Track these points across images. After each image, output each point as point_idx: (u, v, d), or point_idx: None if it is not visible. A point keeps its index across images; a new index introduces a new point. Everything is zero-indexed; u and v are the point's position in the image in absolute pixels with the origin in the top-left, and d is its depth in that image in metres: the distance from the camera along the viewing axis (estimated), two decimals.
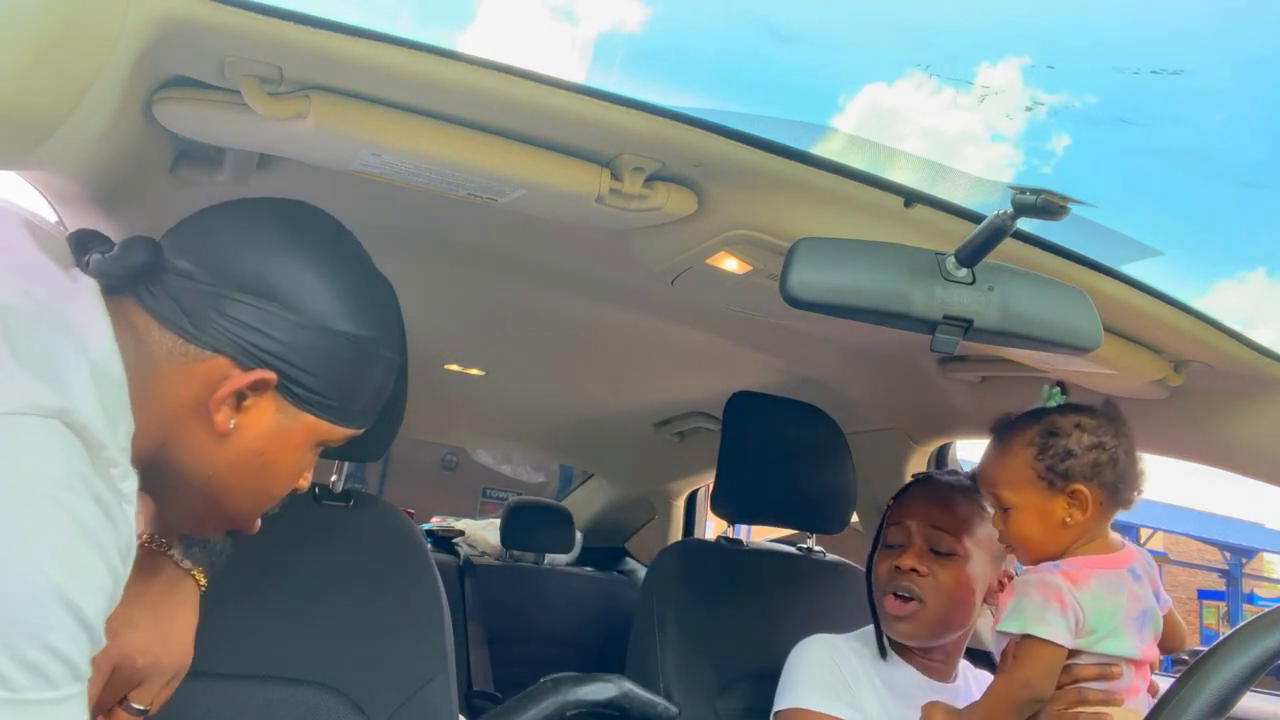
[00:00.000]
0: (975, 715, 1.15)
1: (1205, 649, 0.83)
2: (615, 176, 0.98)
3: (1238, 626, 0.83)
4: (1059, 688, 1.11)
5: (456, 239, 1.40)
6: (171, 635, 0.91)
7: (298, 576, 1.24)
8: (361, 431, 0.91)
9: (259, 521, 0.93)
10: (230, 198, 1.10)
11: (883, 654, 1.35)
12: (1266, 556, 17.51)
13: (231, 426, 0.82)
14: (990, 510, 1.31)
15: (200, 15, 0.75)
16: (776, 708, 1.33)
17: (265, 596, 1.21)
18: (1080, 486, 1.13)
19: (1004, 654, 1.17)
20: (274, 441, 0.84)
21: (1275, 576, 18.10)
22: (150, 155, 1.01)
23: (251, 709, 1.15)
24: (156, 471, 0.82)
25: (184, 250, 0.82)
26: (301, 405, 0.84)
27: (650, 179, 1.00)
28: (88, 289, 0.78)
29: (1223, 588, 16.33)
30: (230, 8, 0.75)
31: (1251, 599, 15.57)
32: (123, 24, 0.72)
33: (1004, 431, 1.20)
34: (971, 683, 1.42)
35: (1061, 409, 1.18)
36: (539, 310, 1.72)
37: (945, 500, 1.36)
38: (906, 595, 1.31)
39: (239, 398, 0.81)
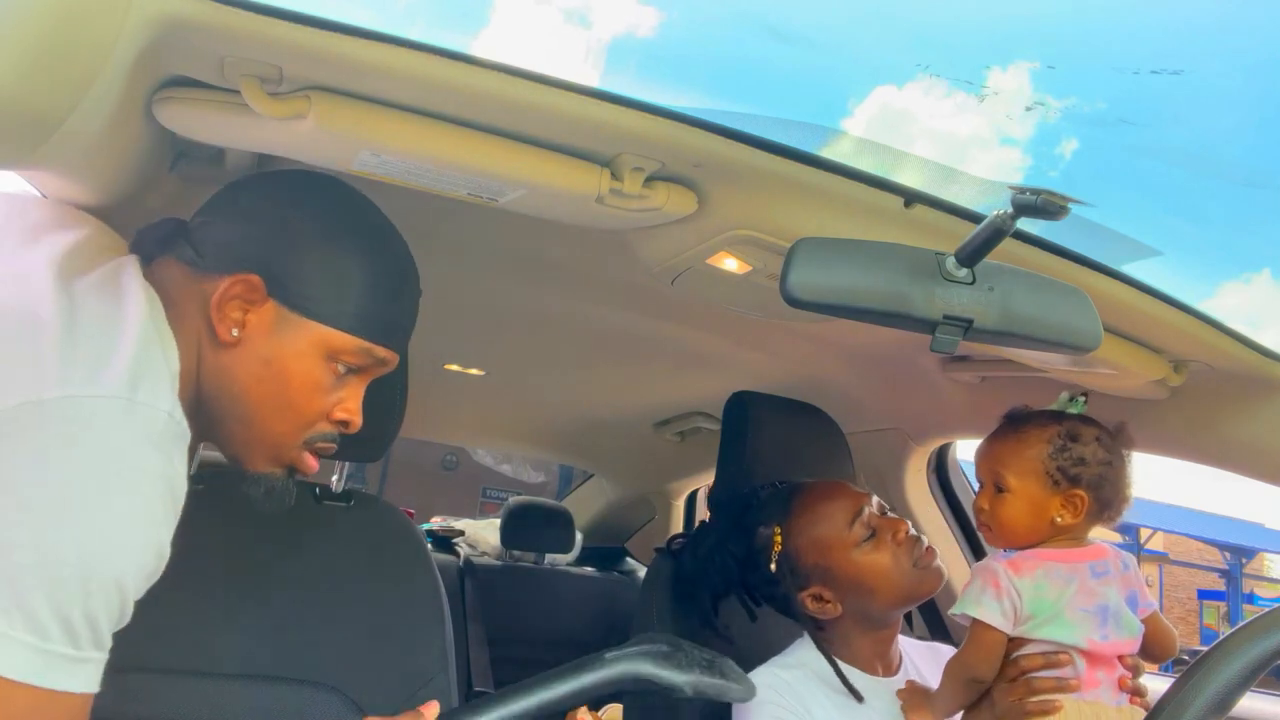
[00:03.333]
0: (939, 695, 1.22)
1: (1205, 649, 0.83)
2: (615, 176, 0.98)
3: (1237, 626, 0.83)
4: (1010, 680, 1.15)
5: (457, 239, 1.40)
6: None
7: (298, 576, 1.24)
8: (377, 349, 0.95)
9: (312, 459, 0.98)
10: None
11: (858, 698, 1.28)
12: (1266, 556, 17.52)
13: (235, 336, 0.89)
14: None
15: (200, 15, 0.75)
16: None
17: (265, 596, 1.22)
18: (1081, 493, 1.17)
19: None
20: (279, 349, 0.90)
21: (1275, 576, 18.10)
22: (150, 155, 1.01)
23: (251, 709, 1.15)
24: (198, 408, 0.90)
25: (201, 211, 0.95)
26: (299, 310, 0.90)
27: (650, 179, 1.00)
28: (131, 265, 0.88)
29: (1223, 588, 16.33)
30: (230, 8, 0.75)
31: (1251, 599, 15.58)
32: (123, 24, 0.72)
33: (1023, 421, 1.23)
34: (918, 662, 1.41)
35: (1083, 418, 1.22)
36: (539, 310, 1.72)
37: (843, 486, 1.39)
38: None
39: (243, 312, 0.89)
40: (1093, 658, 1.14)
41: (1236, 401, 1.29)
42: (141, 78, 0.84)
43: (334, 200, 0.96)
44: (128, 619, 0.75)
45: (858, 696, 1.28)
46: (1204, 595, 16.81)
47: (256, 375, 0.90)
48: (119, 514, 0.72)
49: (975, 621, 1.15)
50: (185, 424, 0.81)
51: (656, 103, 0.89)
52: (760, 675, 1.30)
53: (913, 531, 1.32)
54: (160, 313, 0.85)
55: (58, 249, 0.85)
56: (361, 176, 0.99)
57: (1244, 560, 16.09)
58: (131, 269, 0.87)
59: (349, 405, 0.96)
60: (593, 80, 0.87)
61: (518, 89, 0.85)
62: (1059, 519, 1.17)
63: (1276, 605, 1.00)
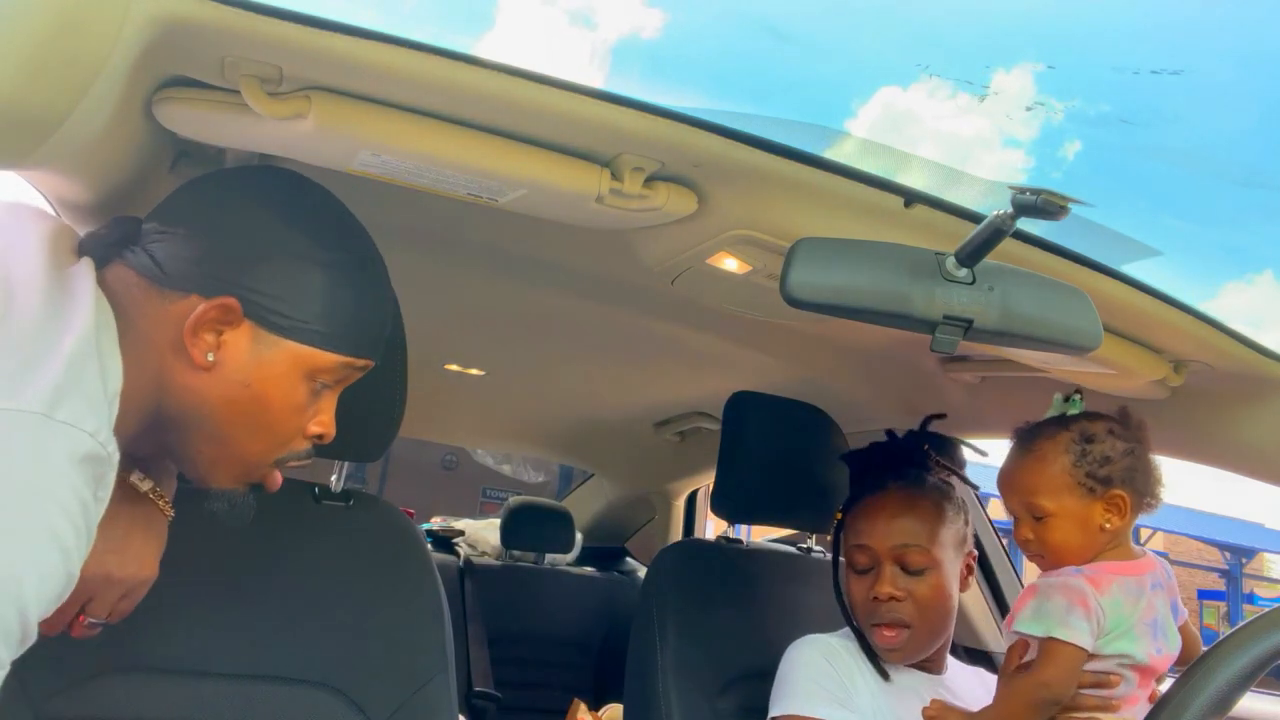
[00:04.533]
0: (993, 715, 1.15)
1: (1205, 649, 0.83)
2: (615, 176, 0.97)
3: (1238, 626, 0.83)
4: None
5: (456, 239, 1.40)
6: (127, 550, 0.90)
7: (298, 576, 1.24)
8: (358, 361, 0.92)
9: (279, 475, 0.95)
10: None
11: (884, 675, 1.31)
12: (1266, 556, 17.51)
13: (210, 360, 0.85)
14: (951, 509, 1.33)
15: (200, 15, 0.75)
16: (772, 713, 1.32)
17: (265, 596, 1.21)
18: (1119, 491, 1.14)
19: (1009, 653, 1.17)
20: (257, 371, 0.87)
21: (1275, 576, 18.10)
22: (150, 155, 1.01)
23: (251, 709, 1.15)
24: (161, 425, 0.86)
25: (157, 216, 0.90)
26: (276, 331, 0.87)
27: (650, 179, 1.00)
28: (83, 267, 0.83)
29: (1223, 588, 16.33)
30: (230, 8, 0.75)
31: (1251, 599, 15.57)
32: (123, 24, 0.72)
33: (1033, 439, 1.19)
34: (958, 671, 1.42)
35: (1088, 415, 1.18)
36: (539, 310, 1.72)
37: (906, 510, 1.32)
38: (894, 623, 1.28)
39: (216, 333, 0.85)
40: (1143, 674, 1.12)
41: (1236, 401, 1.28)
42: (141, 78, 0.84)
43: (302, 208, 0.91)
44: (30, 642, 0.72)
45: (884, 675, 1.31)
46: (1204, 595, 16.80)
47: (231, 398, 0.87)
48: (22, 538, 0.68)
49: (1054, 641, 1.10)
50: (112, 447, 0.76)
51: (656, 103, 0.89)
52: (811, 640, 1.35)
53: (894, 607, 1.28)
54: (109, 328, 0.80)
55: (13, 253, 0.80)
56: (362, 176, 0.99)
57: (1244, 560, 16.08)
58: (85, 276, 0.82)
59: (324, 419, 0.93)
60: (599, 82, 0.87)
61: (517, 89, 0.85)
62: (1108, 525, 1.14)
63: (1276, 605, 1.00)
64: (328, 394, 0.93)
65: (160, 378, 0.86)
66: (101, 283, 0.84)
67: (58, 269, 0.81)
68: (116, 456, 0.77)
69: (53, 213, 1.20)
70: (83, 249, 0.87)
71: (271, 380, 0.87)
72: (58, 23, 0.67)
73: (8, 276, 0.77)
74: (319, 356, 0.89)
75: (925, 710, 1.22)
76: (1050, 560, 1.17)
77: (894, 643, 1.28)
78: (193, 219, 0.88)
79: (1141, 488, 1.16)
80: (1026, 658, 1.15)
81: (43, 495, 0.69)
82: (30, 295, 0.76)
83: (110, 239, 0.88)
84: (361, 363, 0.93)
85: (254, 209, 0.89)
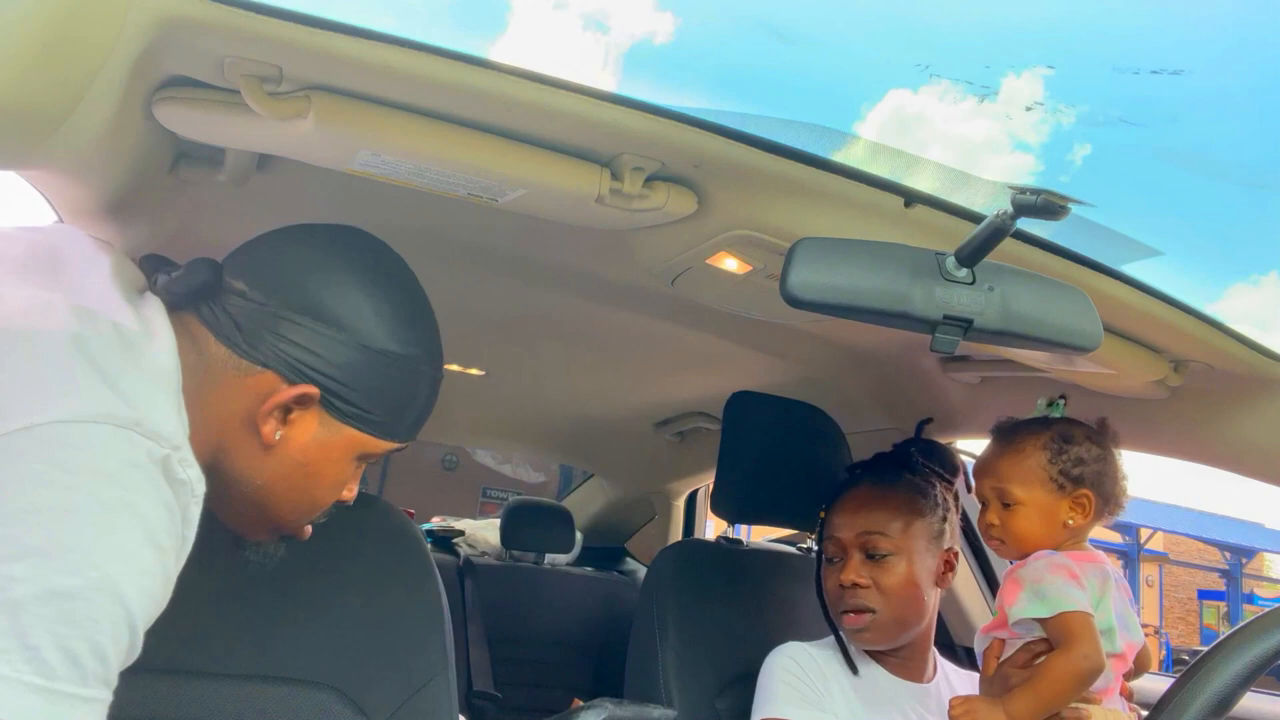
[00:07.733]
0: (1030, 698, 1.11)
1: (1205, 649, 0.83)
2: (615, 176, 0.98)
3: (1238, 626, 0.83)
4: None
5: (456, 239, 1.40)
6: None
7: (298, 576, 1.24)
8: (405, 446, 0.95)
9: (309, 528, 0.99)
10: (230, 198, 1.10)
11: (853, 669, 1.35)
12: (1266, 556, 17.55)
13: (278, 438, 0.87)
14: (925, 504, 1.36)
15: (200, 15, 0.75)
16: (754, 718, 1.34)
17: (265, 596, 1.21)
18: (1087, 492, 1.19)
19: (987, 655, 1.20)
20: (317, 454, 0.89)
21: (1275, 576, 18.13)
22: (150, 155, 1.01)
23: (251, 709, 1.15)
24: (211, 478, 0.86)
25: (241, 272, 0.88)
26: (344, 419, 0.89)
27: (650, 179, 1.00)
28: (154, 307, 0.84)
29: (1223, 588, 16.36)
30: (230, 8, 0.75)
31: (1251, 599, 15.60)
32: (123, 24, 0.72)
33: (1013, 432, 1.24)
34: (952, 679, 1.42)
35: (1068, 420, 1.23)
36: (539, 310, 1.72)
37: (874, 501, 1.37)
38: (858, 609, 1.32)
39: (285, 411, 0.86)
40: (1117, 663, 1.14)
41: (1236, 401, 1.28)
42: (141, 78, 0.84)
43: (392, 295, 0.91)
44: (137, 653, 0.72)
45: (853, 668, 1.34)
46: (1204, 595, 16.83)
47: (285, 474, 0.89)
48: (123, 539, 0.69)
49: (1068, 615, 1.11)
50: (197, 473, 0.77)
51: (656, 103, 0.89)
52: (787, 646, 1.38)
53: (858, 594, 1.32)
54: (178, 374, 0.81)
55: (87, 281, 0.82)
56: (362, 176, 0.99)
57: (1244, 560, 16.11)
58: (160, 316, 0.83)
59: (353, 486, 0.97)
60: (611, 85, 0.87)
61: (517, 89, 0.85)
62: (1070, 521, 1.19)
63: (1276, 605, 1.00)
64: (363, 466, 0.96)
65: (221, 439, 0.87)
66: (175, 328, 0.84)
67: (131, 305, 0.82)
68: (201, 489, 0.78)
69: (53, 213, 1.20)
70: (154, 288, 0.88)
71: (329, 463, 0.90)
72: (58, 23, 0.67)
73: (84, 301, 0.78)
74: (376, 443, 0.92)
75: (951, 709, 1.16)
76: (1010, 546, 1.22)
77: (857, 624, 1.33)
78: (282, 292, 0.87)
79: (1108, 493, 1.21)
80: (1005, 654, 1.18)
81: (135, 496, 0.70)
82: (107, 325, 0.77)
83: (188, 286, 0.87)
84: (406, 446, 0.96)
85: (347, 294, 0.88)
